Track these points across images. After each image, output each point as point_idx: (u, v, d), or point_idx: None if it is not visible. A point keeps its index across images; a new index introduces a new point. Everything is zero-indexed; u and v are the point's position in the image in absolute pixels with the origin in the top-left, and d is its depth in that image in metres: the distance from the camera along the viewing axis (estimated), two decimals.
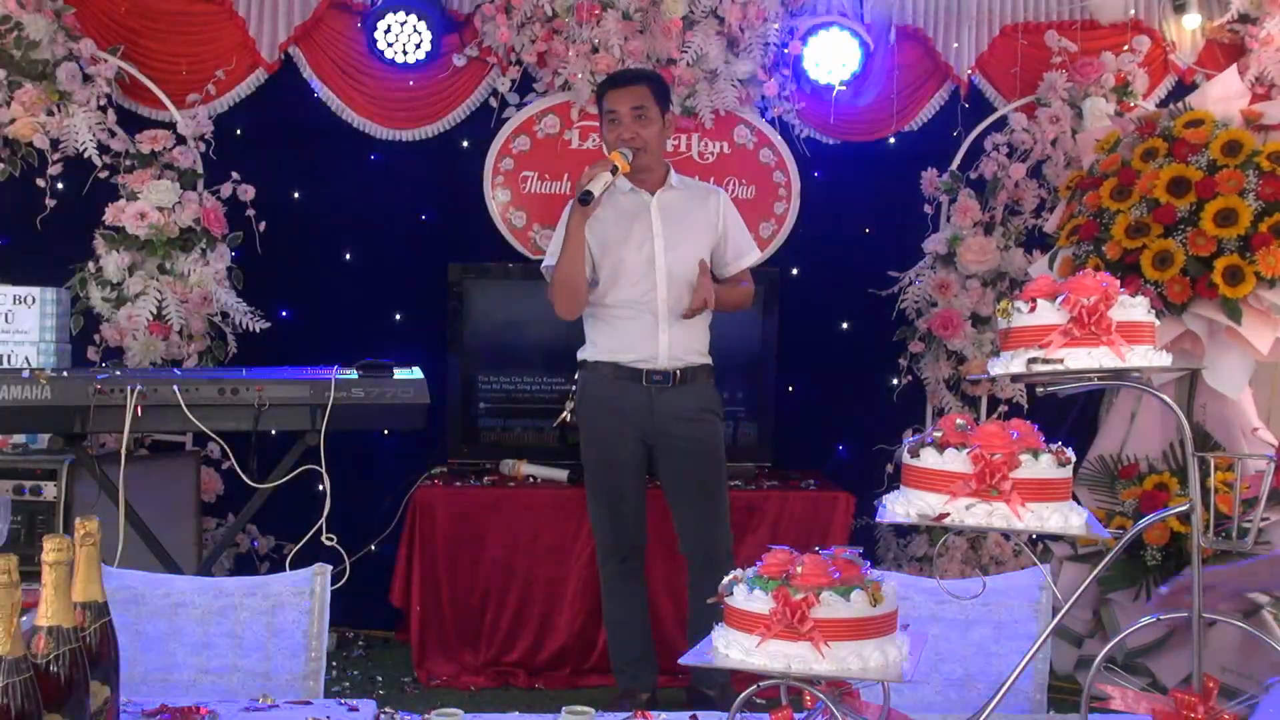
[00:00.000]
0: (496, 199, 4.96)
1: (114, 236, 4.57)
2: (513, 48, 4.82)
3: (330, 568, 2.37)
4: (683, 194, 3.96)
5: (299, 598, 2.30)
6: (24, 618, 1.37)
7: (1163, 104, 4.80)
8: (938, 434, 1.73)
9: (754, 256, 4.07)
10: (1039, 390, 1.84)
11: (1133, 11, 4.96)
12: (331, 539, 3.46)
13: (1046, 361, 1.69)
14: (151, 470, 4.34)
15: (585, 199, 3.63)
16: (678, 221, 3.89)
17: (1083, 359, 1.68)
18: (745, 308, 4.10)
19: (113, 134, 4.62)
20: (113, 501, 3.54)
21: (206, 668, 2.24)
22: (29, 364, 4.04)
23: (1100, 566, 1.73)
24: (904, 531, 4.85)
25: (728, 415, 4.26)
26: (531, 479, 4.62)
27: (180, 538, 4.27)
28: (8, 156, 4.60)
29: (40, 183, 4.61)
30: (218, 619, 2.26)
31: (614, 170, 3.69)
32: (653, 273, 3.82)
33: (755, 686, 1.67)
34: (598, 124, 4.08)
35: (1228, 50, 4.98)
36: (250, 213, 4.76)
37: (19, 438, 4.09)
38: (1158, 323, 1.77)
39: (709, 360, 3.95)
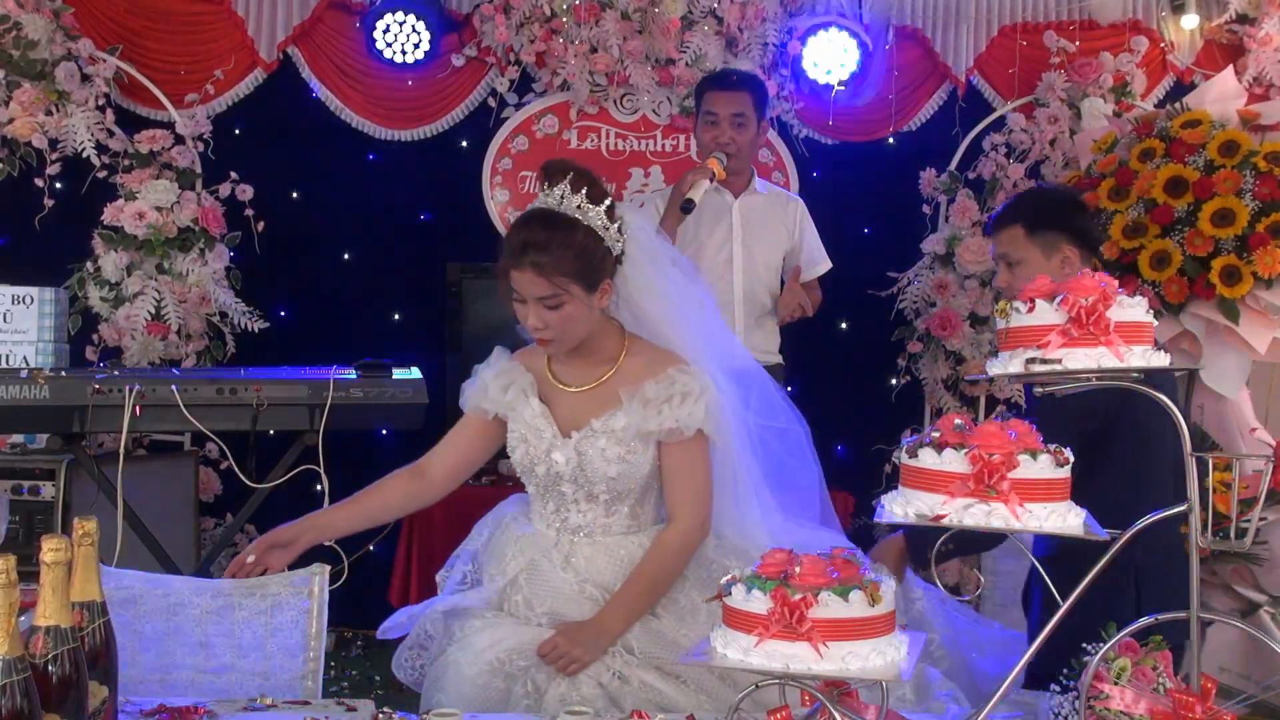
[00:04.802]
0: (495, 199, 4.96)
1: (112, 236, 4.57)
2: (511, 48, 4.82)
3: (328, 567, 2.37)
4: (764, 199, 4.05)
5: (297, 598, 2.30)
6: (22, 617, 1.37)
7: (1161, 104, 4.80)
8: (936, 434, 1.73)
9: (824, 266, 4.18)
10: (1037, 390, 1.83)
11: (1131, 12, 4.96)
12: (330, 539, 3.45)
13: (1045, 361, 1.70)
14: (150, 470, 4.34)
15: (687, 208, 3.71)
16: (757, 226, 3.99)
17: (1081, 359, 1.69)
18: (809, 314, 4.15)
19: (111, 134, 4.62)
20: (111, 501, 3.54)
21: (205, 667, 2.23)
22: (27, 364, 4.04)
23: (1097, 567, 1.73)
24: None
25: None
26: None
27: (179, 538, 4.27)
28: (6, 156, 4.59)
29: (39, 182, 4.60)
30: (216, 619, 2.25)
31: (711, 177, 3.76)
32: (730, 273, 3.90)
33: (753, 686, 1.67)
34: (693, 121, 4.12)
35: (1226, 50, 4.98)
36: (249, 212, 4.76)
37: (17, 437, 4.08)
38: (1155, 323, 1.77)
39: (781, 360, 4.04)
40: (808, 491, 2.52)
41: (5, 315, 4.13)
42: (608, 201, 2.28)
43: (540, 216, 2.26)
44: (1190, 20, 4.98)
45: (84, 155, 4.58)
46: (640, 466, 2.30)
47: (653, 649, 2.25)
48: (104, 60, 4.63)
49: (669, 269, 2.44)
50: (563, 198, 2.26)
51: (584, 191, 2.25)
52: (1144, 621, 1.78)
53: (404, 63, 4.82)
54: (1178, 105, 4.26)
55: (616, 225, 2.29)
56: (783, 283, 4.12)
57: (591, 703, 2.14)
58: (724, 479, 2.37)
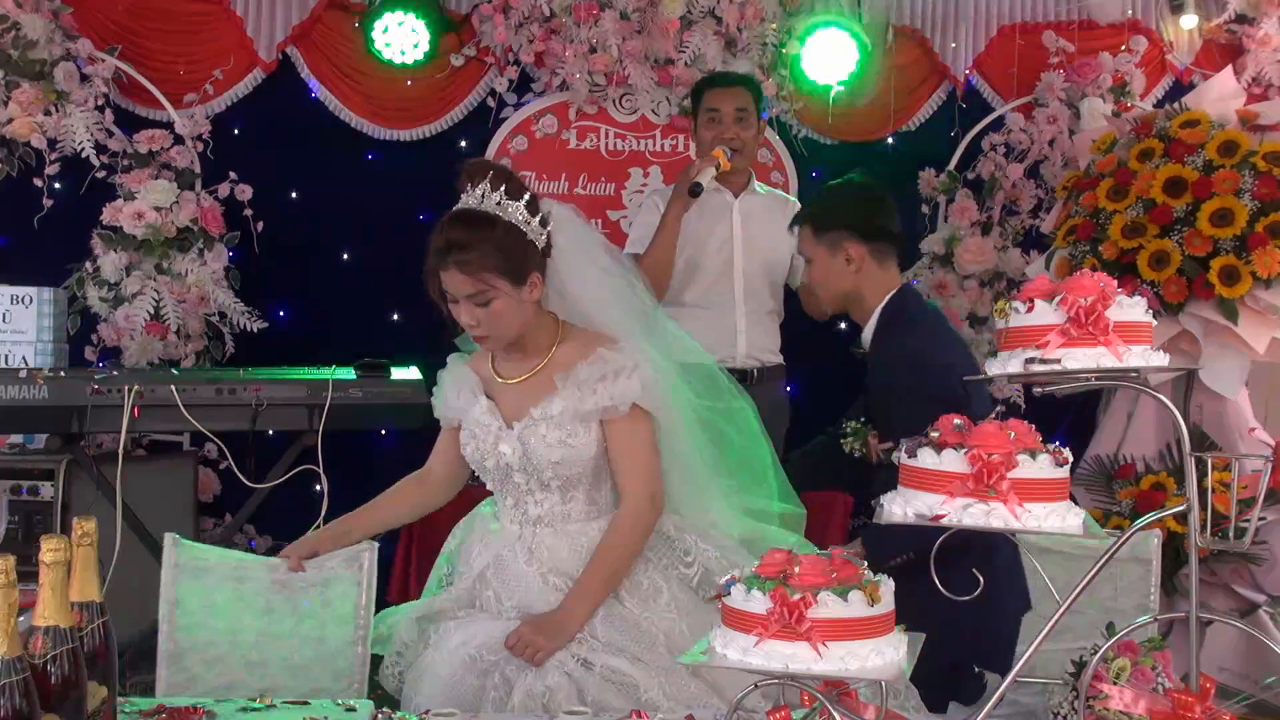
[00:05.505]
0: None
1: (111, 236, 4.57)
2: (510, 47, 4.82)
3: (377, 545, 2.51)
4: (764, 200, 4.06)
5: (350, 572, 2.48)
6: (21, 617, 1.37)
7: (1160, 104, 4.81)
8: (935, 434, 1.73)
9: None
10: (1036, 390, 1.84)
11: (1130, 12, 4.97)
12: None
13: (1044, 361, 1.70)
14: (149, 470, 4.34)
15: (696, 190, 3.70)
16: (757, 226, 4.00)
17: (1080, 359, 1.69)
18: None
19: (110, 134, 4.62)
20: (110, 502, 3.54)
21: (268, 631, 2.46)
22: (26, 364, 4.04)
23: (1096, 566, 1.73)
24: None
25: None
26: None
27: None
28: (5, 156, 4.59)
29: (38, 182, 4.60)
30: (279, 588, 2.47)
31: (717, 167, 3.74)
32: (730, 272, 3.91)
33: (752, 686, 1.67)
34: (692, 121, 4.10)
35: (1225, 50, 4.98)
36: (248, 212, 4.76)
37: (16, 438, 4.08)
38: (1155, 323, 1.77)
39: (782, 359, 4.03)
40: (761, 470, 2.55)
41: (4, 315, 4.13)
42: (527, 196, 2.32)
43: (460, 216, 2.32)
44: (1189, 20, 4.98)
45: (83, 155, 4.57)
46: (584, 449, 2.33)
47: (616, 635, 2.28)
48: (103, 60, 4.63)
49: (601, 257, 2.48)
50: (483, 196, 2.30)
51: (502, 188, 2.29)
52: (1141, 621, 1.78)
53: (403, 63, 4.81)
54: (1177, 105, 4.26)
55: (538, 218, 2.33)
56: (787, 289, 4.13)
57: (556, 691, 2.16)
58: (674, 456, 2.40)
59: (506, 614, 2.35)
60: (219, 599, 2.45)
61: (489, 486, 2.49)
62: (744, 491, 2.50)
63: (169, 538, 2.50)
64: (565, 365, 2.35)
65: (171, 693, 2.35)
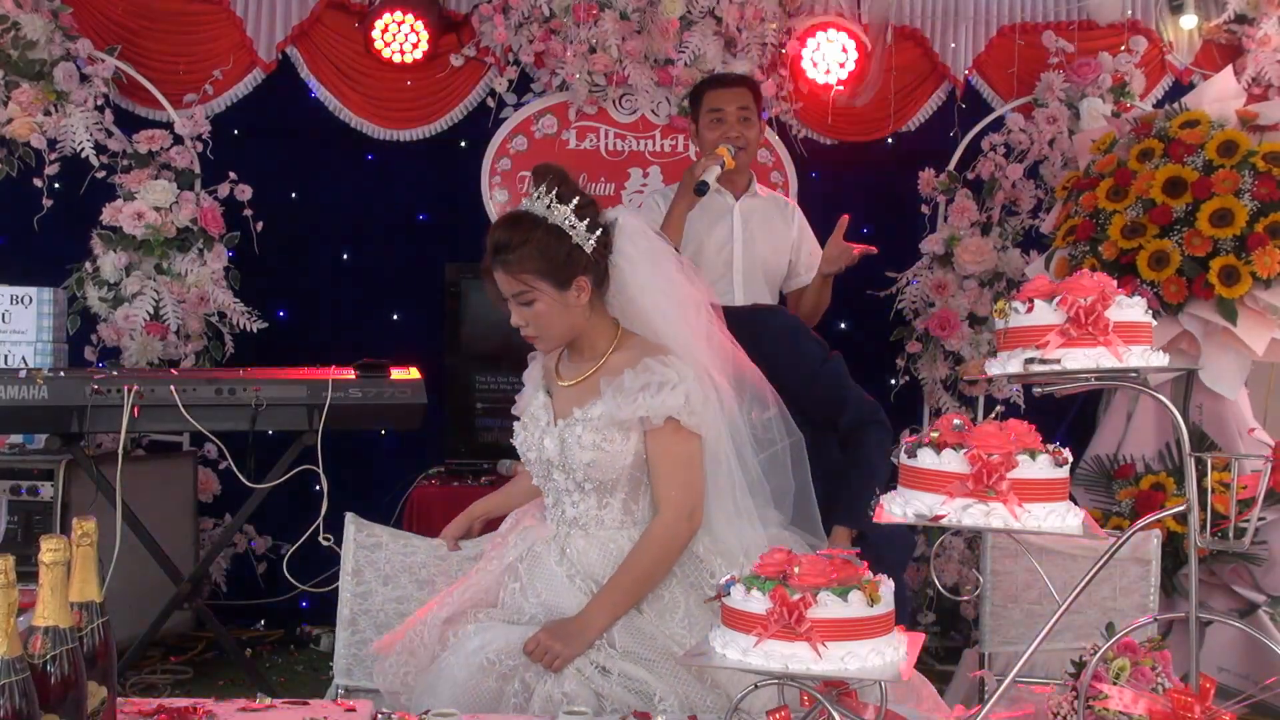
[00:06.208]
0: (494, 199, 4.96)
1: (111, 236, 4.57)
2: (510, 48, 4.82)
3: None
4: (764, 203, 4.05)
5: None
6: (21, 618, 1.37)
7: (1160, 104, 4.81)
8: (935, 434, 1.73)
9: None
10: (1036, 390, 1.84)
11: (1130, 12, 4.97)
12: (329, 539, 3.45)
13: (1044, 362, 1.69)
14: (149, 470, 4.34)
15: (701, 189, 3.68)
16: (758, 228, 3.99)
17: (1080, 359, 1.68)
18: (820, 310, 4.10)
19: (110, 134, 4.62)
20: (110, 501, 3.54)
21: (425, 600, 2.68)
22: (26, 364, 4.04)
23: (1095, 567, 1.73)
24: None
25: None
26: None
27: (177, 538, 4.26)
28: (5, 156, 4.60)
29: (37, 182, 4.60)
30: (438, 563, 2.76)
31: (722, 165, 3.73)
32: (730, 274, 3.90)
33: (752, 686, 1.67)
34: (691, 123, 4.08)
35: (1225, 51, 4.98)
36: (247, 213, 4.76)
37: (16, 438, 4.08)
38: (1154, 323, 1.77)
39: None
40: (801, 501, 2.54)
41: (4, 315, 4.13)
42: (576, 200, 2.33)
43: (508, 218, 2.38)
44: (1189, 20, 4.99)
45: (83, 155, 4.58)
46: (618, 456, 2.34)
47: (631, 643, 2.27)
48: (103, 60, 4.63)
49: (667, 268, 2.46)
50: (536, 198, 2.33)
51: (554, 191, 2.32)
52: (1141, 622, 1.78)
53: (402, 63, 4.82)
54: (1176, 105, 4.26)
55: (587, 222, 2.32)
56: (782, 297, 4.12)
57: (575, 697, 2.16)
58: (716, 476, 2.40)
59: (530, 609, 2.37)
60: (387, 570, 2.76)
61: (534, 481, 2.51)
62: (781, 523, 2.48)
63: (349, 517, 2.75)
64: (615, 371, 2.37)
65: (348, 652, 2.68)
